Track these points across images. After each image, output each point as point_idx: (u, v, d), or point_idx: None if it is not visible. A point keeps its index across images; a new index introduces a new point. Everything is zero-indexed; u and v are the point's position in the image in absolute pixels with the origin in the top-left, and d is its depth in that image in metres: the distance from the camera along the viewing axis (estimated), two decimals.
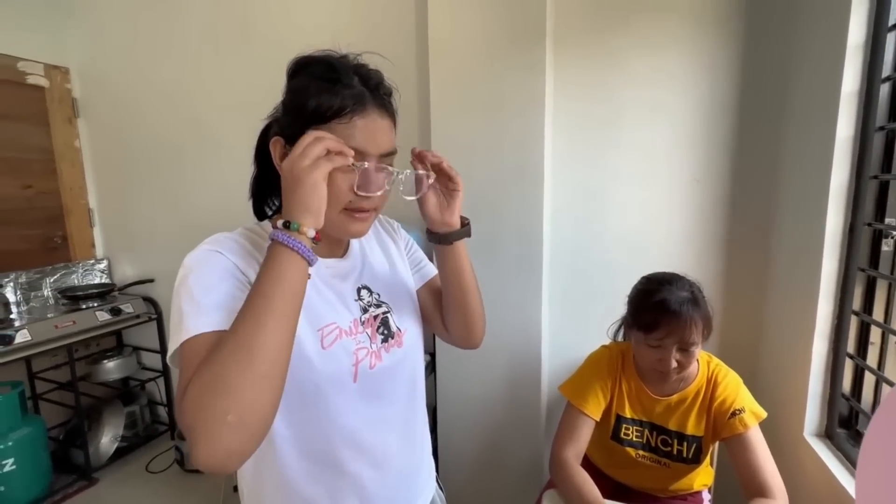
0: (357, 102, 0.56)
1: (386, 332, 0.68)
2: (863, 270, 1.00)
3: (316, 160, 0.51)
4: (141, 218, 2.26)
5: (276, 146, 0.60)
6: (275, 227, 0.52)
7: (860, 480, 0.47)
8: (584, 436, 1.07)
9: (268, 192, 0.70)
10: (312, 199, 0.52)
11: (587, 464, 1.15)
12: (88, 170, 2.32)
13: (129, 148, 2.20)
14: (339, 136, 0.55)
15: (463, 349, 0.81)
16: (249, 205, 0.73)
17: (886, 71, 0.93)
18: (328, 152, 0.52)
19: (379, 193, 0.59)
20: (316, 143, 0.52)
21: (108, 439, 2.09)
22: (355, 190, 0.57)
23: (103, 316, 2.02)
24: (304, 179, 0.51)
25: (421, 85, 1.56)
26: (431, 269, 0.81)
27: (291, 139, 0.56)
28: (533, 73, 1.32)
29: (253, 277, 0.56)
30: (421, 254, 0.83)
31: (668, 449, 1.07)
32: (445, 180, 0.67)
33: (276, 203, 0.71)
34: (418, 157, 0.65)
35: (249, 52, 1.85)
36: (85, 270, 2.29)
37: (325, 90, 0.56)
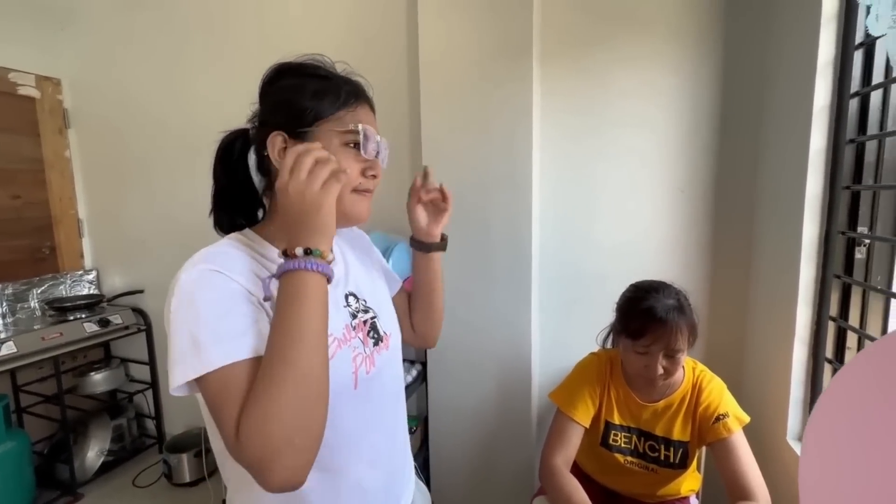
0: (356, 93, 0.63)
1: (375, 336, 0.69)
2: (838, 277, 1.04)
3: (326, 184, 0.53)
4: (131, 228, 2.25)
5: (275, 140, 0.59)
6: (291, 255, 0.52)
7: (804, 461, 0.50)
8: (573, 442, 1.08)
9: (233, 203, 0.68)
10: (329, 224, 0.54)
11: (576, 470, 1.16)
12: (78, 180, 2.31)
13: (120, 158, 2.20)
14: (348, 122, 0.60)
15: (420, 348, 0.87)
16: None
17: (854, 86, 0.98)
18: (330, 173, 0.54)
19: (374, 149, 0.63)
20: (321, 167, 0.53)
21: (94, 453, 2.05)
22: (361, 148, 0.60)
23: (91, 327, 2.00)
24: (321, 204, 0.52)
25: (412, 98, 1.59)
26: (398, 278, 0.88)
27: (298, 133, 0.59)
28: (521, 86, 1.35)
29: (260, 294, 0.56)
30: (387, 265, 0.88)
31: (656, 454, 1.09)
32: (439, 199, 0.78)
33: (242, 219, 0.68)
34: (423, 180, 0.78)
35: (241, 67, 1.87)
36: (73, 281, 2.26)
37: (327, 86, 0.61)
